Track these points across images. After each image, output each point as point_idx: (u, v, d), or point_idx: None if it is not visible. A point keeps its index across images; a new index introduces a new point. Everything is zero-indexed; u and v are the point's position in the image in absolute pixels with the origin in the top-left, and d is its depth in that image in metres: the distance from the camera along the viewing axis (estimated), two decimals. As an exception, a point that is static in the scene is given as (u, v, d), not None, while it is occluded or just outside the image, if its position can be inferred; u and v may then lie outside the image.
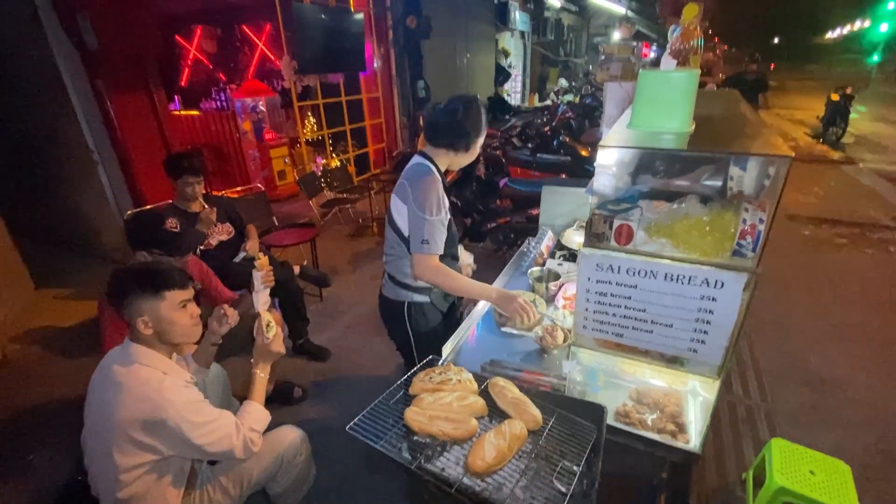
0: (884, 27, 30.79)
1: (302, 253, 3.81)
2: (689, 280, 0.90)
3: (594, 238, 0.97)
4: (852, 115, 10.47)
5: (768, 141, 0.87)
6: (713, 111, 1.33)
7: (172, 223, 1.82)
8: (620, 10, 12.60)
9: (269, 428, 1.57)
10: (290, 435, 1.53)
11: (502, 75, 9.91)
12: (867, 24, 42.38)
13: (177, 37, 7.55)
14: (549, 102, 9.09)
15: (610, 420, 1.20)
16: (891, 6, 31.31)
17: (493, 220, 3.84)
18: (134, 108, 3.58)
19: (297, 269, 2.80)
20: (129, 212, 3.04)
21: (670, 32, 1.29)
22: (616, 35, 16.17)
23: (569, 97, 9.01)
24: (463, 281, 1.51)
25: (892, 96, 17.39)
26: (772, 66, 20.39)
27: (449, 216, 1.51)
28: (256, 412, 1.39)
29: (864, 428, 2.20)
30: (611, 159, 0.91)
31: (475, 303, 1.77)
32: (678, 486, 1.23)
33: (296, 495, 1.58)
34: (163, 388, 1.21)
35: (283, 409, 2.38)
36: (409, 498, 1.82)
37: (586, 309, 1.04)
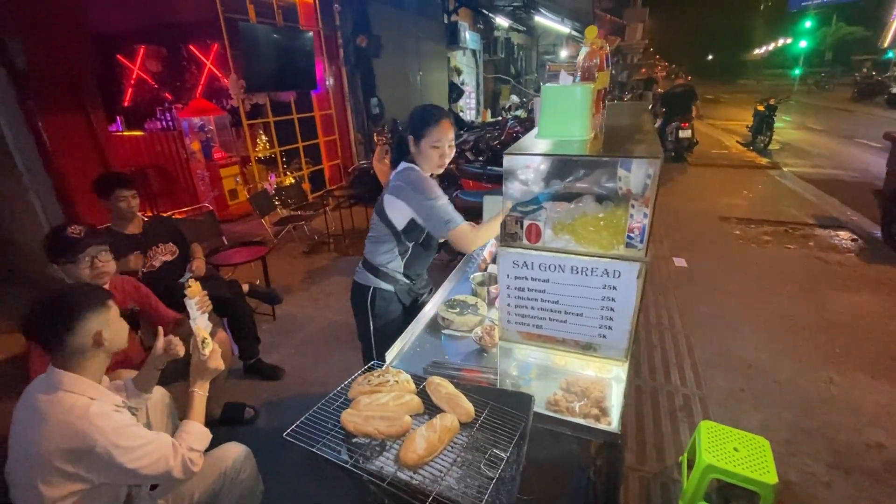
0: (802, 44, 33.91)
1: (254, 272, 3.75)
2: (592, 271, 1.00)
3: (509, 238, 1.05)
4: (778, 124, 11.39)
5: (650, 146, 1.00)
6: (620, 121, 1.47)
7: (75, 230, 1.77)
8: (565, 29, 13.26)
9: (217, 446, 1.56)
10: (234, 452, 1.52)
11: (455, 92, 10.17)
12: (789, 40, 46.60)
13: (118, 56, 7.31)
14: (500, 118, 9.41)
15: (541, 409, 1.28)
16: (808, 24, 34.63)
17: (447, 232, 3.92)
18: (69, 129, 3.45)
19: (245, 288, 2.76)
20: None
21: (580, 52, 1.43)
22: (563, 53, 17.00)
23: (520, 112, 9.37)
24: (490, 225, 1.65)
25: (813, 106, 19.12)
26: (688, 78, 21.96)
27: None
28: (195, 431, 1.37)
29: (787, 407, 2.40)
30: (516, 166, 1.00)
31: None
32: (608, 468, 1.32)
33: (243, 513, 1.55)
34: (88, 414, 1.17)
35: (234, 431, 2.32)
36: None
37: (508, 304, 1.12)
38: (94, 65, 3.85)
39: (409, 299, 1.83)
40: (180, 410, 1.84)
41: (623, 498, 1.92)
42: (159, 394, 1.81)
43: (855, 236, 4.75)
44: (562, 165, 1.01)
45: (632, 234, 0.94)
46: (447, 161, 1.68)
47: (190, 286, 1.55)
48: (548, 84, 1.10)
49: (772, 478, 1.67)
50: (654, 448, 2.16)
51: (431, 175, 1.72)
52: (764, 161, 8.61)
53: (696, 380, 2.62)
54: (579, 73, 1.41)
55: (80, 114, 3.53)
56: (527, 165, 1.00)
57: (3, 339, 3.20)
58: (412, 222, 1.64)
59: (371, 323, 1.77)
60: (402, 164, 1.69)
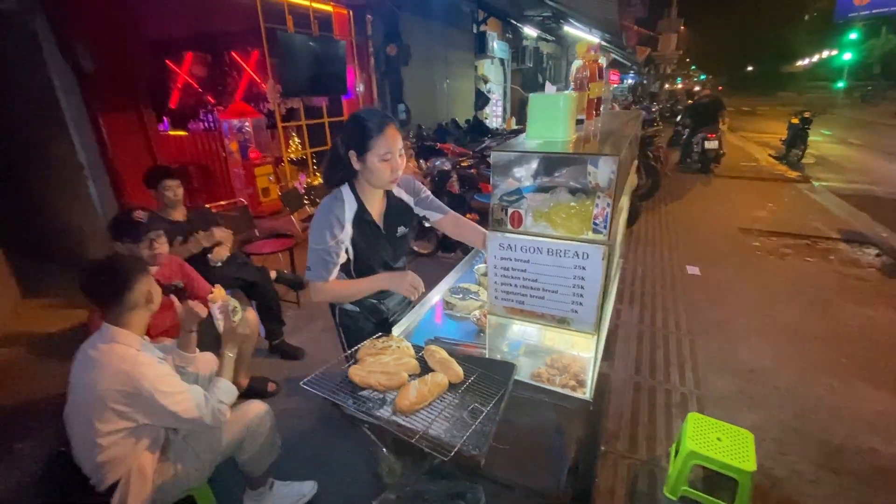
0: (847, 56, 32.64)
1: (282, 262, 4.02)
2: (565, 253, 1.15)
3: (496, 223, 1.22)
4: (816, 138, 11.07)
5: (614, 146, 1.16)
6: (611, 127, 1.62)
7: (139, 214, 2.04)
8: (595, 39, 13.31)
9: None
10: (257, 408, 1.74)
11: (481, 100, 10.38)
12: (834, 52, 44.90)
13: (167, 61, 7.87)
14: (523, 125, 9.53)
15: (526, 379, 1.44)
16: (853, 36, 33.35)
17: (463, 232, 4.12)
18: (124, 127, 3.83)
19: (273, 274, 3.01)
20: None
21: (573, 66, 1.59)
22: (593, 62, 17.02)
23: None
24: (351, 284, 1.56)
25: (856, 120, 18.42)
26: (719, 88, 21.33)
27: (345, 244, 1.51)
28: (224, 387, 1.60)
29: (783, 410, 2.46)
30: (502, 161, 1.18)
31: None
32: (585, 434, 1.47)
33: (262, 463, 1.76)
34: (137, 362, 1.40)
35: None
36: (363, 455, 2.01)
37: (495, 282, 1.29)
38: (147, 69, 4.24)
39: (380, 317, 1.71)
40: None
41: (611, 482, 2.04)
42: (208, 357, 2.02)
43: (880, 252, 4.66)
44: (543, 162, 1.19)
45: (597, 221, 1.10)
46: (400, 173, 1.49)
47: (213, 292, 1.73)
48: (534, 93, 1.27)
49: (750, 466, 1.76)
50: (645, 439, 2.27)
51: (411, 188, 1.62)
52: (794, 174, 8.42)
53: (694, 380, 2.70)
54: (573, 84, 1.58)
55: (134, 114, 3.91)
56: (511, 161, 1.18)
57: (67, 313, 3.57)
58: None
59: (343, 339, 1.75)
60: (335, 191, 1.53)
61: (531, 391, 1.40)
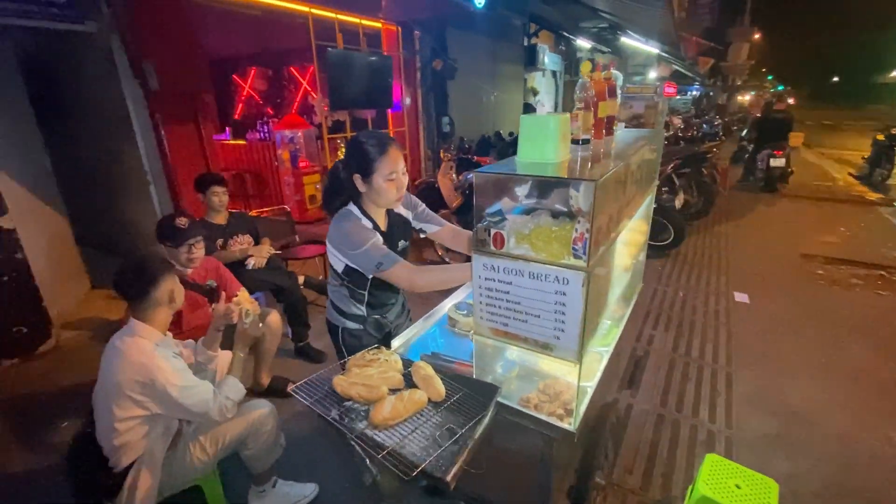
0: (953, 66, 29.13)
1: (318, 267, 4.19)
2: (546, 277, 1.12)
3: (480, 244, 1.22)
4: (906, 156, 9.92)
5: (598, 170, 1.12)
6: (621, 147, 1.57)
7: (181, 221, 2.21)
8: (654, 50, 12.83)
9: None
10: (261, 407, 1.82)
11: (529, 113, 10.31)
12: (937, 62, 40.27)
13: (234, 76, 8.52)
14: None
15: (514, 404, 1.40)
16: (961, 44, 29.77)
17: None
18: (183, 137, 4.18)
19: (301, 279, 3.15)
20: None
21: (578, 84, 1.56)
22: (653, 74, 16.34)
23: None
24: (445, 270, 1.49)
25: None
26: (792, 101, 19.53)
27: (378, 237, 1.53)
28: (233, 384, 1.69)
29: (827, 461, 2.21)
30: (485, 183, 1.18)
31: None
32: (580, 466, 1.41)
33: (265, 460, 1.84)
34: (154, 355, 1.52)
35: (276, 401, 2.66)
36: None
37: (480, 302, 1.27)
38: (209, 84, 4.62)
39: (383, 332, 1.72)
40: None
41: (617, 517, 1.93)
42: (228, 356, 2.16)
43: (973, 288, 4.10)
44: (526, 184, 1.17)
45: (576, 246, 1.07)
46: (404, 191, 1.55)
47: (237, 295, 1.83)
48: (525, 115, 1.26)
49: (770, 520, 1.60)
50: (661, 476, 2.13)
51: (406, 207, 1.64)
52: (875, 196, 7.61)
53: (726, 418, 2.50)
54: (579, 104, 1.55)
55: (192, 125, 4.27)
56: (494, 182, 1.17)
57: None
58: (349, 266, 1.57)
59: (346, 357, 1.70)
60: (343, 209, 1.57)
61: (517, 416, 1.37)
